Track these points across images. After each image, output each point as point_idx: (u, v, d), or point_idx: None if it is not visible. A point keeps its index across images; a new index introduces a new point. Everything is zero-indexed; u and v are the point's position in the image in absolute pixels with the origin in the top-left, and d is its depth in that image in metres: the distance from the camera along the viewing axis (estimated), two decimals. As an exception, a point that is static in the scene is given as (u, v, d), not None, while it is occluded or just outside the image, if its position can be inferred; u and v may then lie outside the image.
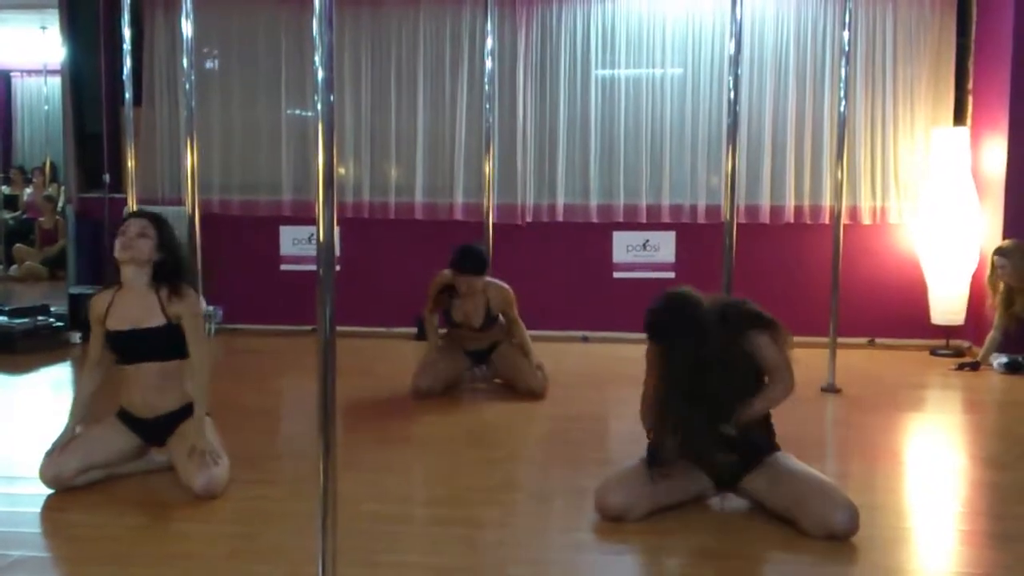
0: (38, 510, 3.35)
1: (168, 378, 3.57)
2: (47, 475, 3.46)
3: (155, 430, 3.59)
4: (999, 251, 5.62)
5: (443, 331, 5.19)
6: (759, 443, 3.29)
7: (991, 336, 5.69)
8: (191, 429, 3.51)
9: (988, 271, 5.70)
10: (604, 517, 3.19)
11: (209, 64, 6.83)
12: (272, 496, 3.48)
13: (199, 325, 3.57)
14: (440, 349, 5.10)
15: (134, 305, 3.53)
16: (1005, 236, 5.74)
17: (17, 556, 2.96)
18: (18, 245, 8.08)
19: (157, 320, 3.51)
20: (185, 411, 3.57)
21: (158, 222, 3.58)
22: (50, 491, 3.46)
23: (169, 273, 3.54)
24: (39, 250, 8.04)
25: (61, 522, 3.26)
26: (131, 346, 3.52)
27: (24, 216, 8.34)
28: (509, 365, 5.09)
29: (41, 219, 8.04)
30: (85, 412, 3.62)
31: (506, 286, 5.00)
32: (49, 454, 3.49)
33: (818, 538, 3.04)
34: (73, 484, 3.47)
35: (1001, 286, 5.64)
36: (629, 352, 6.10)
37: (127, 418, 3.59)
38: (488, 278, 4.94)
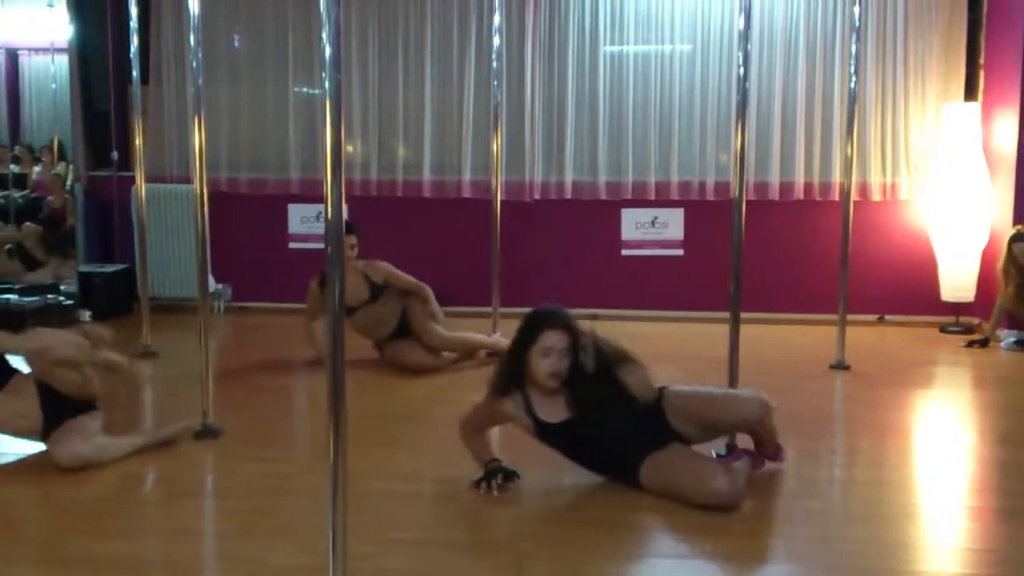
0: (50, 487, 3.38)
1: (19, 392, 3.60)
2: (65, 456, 3.50)
3: (56, 418, 3.60)
4: (1019, 237, 5.47)
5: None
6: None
7: (998, 304, 5.64)
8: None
9: (1001, 260, 5.55)
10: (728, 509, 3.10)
11: (237, 44, 6.79)
12: (283, 473, 3.50)
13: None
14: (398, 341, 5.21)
15: None
16: (1016, 213, 5.70)
17: (29, 533, 2.99)
18: (27, 224, 8.09)
19: None
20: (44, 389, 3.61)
21: None
22: (58, 469, 3.48)
23: None
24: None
25: (73, 499, 3.29)
26: None
27: (33, 195, 8.34)
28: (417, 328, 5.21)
29: (50, 198, 8.05)
30: None
31: (377, 260, 5.23)
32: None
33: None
34: (86, 460, 3.50)
35: (1007, 274, 5.54)
36: (638, 330, 6.11)
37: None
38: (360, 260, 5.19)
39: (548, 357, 3.21)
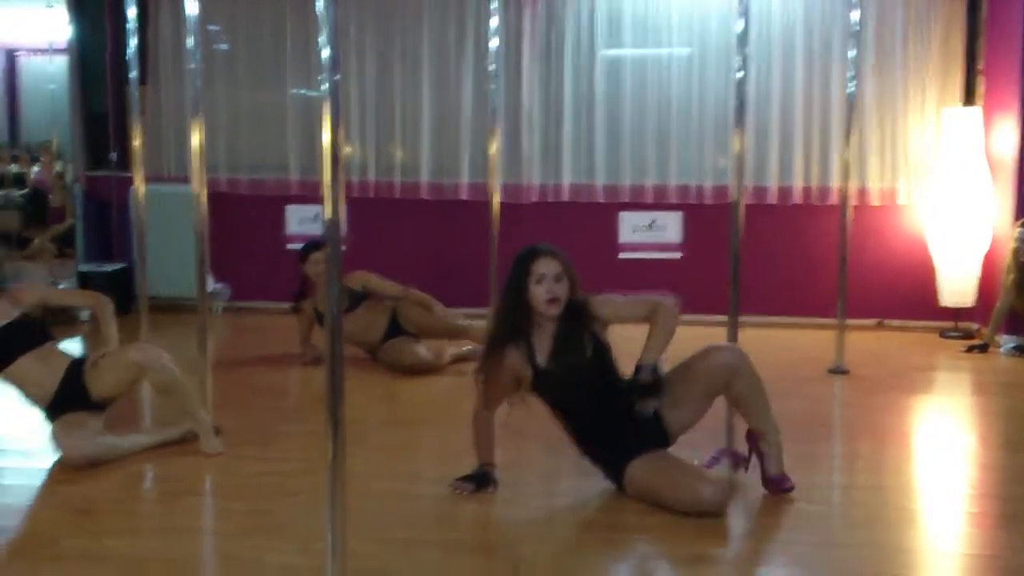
0: (50, 483, 3.37)
1: (45, 359, 3.68)
2: (72, 455, 3.51)
3: (66, 403, 3.64)
4: None
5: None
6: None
7: (998, 308, 5.64)
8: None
9: (1011, 247, 5.55)
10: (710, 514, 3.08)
11: (221, 45, 6.79)
12: (282, 473, 3.49)
13: (56, 292, 3.83)
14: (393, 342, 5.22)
15: None
16: (1017, 217, 5.70)
17: (27, 529, 2.98)
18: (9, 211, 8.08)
19: (7, 318, 3.65)
20: (72, 373, 3.67)
21: None
22: (61, 465, 3.48)
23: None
24: (48, 228, 8.03)
25: (72, 495, 3.28)
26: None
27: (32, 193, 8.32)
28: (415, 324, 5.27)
29: (51, 196, 8.03)
30: None
31: (355, 270, 5.24)
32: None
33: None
34: (93, 458, 3.50)
35: (1012, 273, 5.55)
36: (634, 333, 6.11)
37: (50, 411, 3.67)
38: None
39: (543, 284, 3.23)
